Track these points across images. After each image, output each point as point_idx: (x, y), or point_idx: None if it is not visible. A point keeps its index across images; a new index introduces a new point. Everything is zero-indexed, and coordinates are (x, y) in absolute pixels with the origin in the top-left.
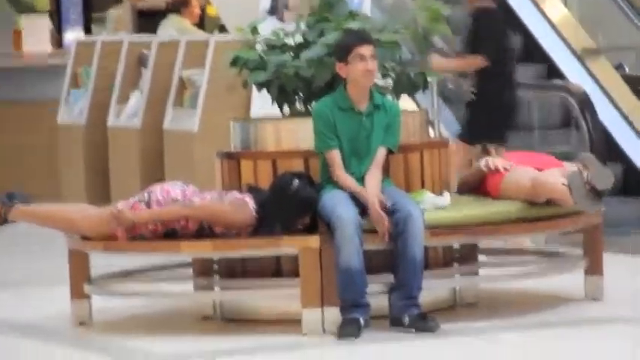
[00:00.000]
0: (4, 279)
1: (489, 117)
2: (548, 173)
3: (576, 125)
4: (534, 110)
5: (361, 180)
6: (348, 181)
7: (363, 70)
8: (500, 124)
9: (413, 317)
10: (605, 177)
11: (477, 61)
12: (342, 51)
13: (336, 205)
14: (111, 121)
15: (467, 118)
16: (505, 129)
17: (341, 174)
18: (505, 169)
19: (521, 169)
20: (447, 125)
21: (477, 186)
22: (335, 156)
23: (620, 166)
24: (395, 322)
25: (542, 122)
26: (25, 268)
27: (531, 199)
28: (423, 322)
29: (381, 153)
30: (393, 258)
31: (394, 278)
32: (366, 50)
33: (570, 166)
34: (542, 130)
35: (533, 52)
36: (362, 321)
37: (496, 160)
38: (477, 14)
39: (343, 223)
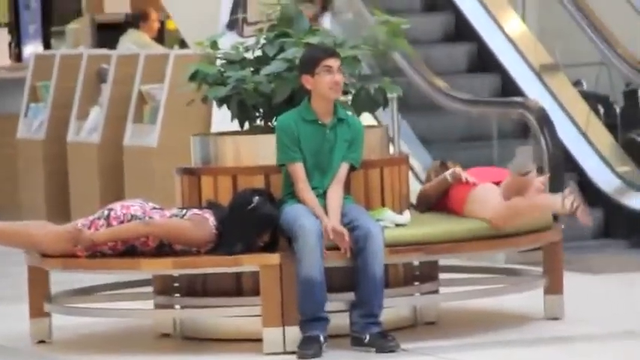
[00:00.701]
0: None
1: None
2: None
3: (535, 140)
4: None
5: (323, 195)
6: (309, 198)
7: (330, 82)
8: None
9: (373, 336)
10: (522, 165)
11: None
12: (309, 63)
13: (299, 216)
14: (70, 136)
15: None
16: None
17: (303, 188)
18: (471, 182)
19: (487, 189)
20: (407, 141)
21: (438, 200)
22: (298, 169)
23: (577, 179)
24: (355, 340)
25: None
26: None
27: (492, 223)
28: (384, 340)
29: (343, 169)
30: (353, 275)
31: (355, 295)
32: (333, 62)
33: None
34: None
35: (490, 65)
36: (322, 338)
37: (459, 170)
38: None
39: (305, 232)
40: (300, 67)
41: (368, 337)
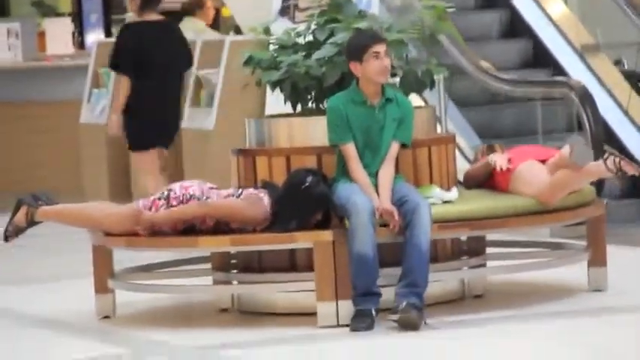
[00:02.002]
0: (30, 275)
1: (147, 125)
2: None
3: (578, 123)
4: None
5: (375, 174)
6: (361, 178)
7: (379, 67)
8: (157, 133)
9: (409, 305)
10: (586, 155)
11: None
12: (356, 50)
13: (352, 193)
14: None
15: (128, 128)
16: (161, 136)
17: (356, 168)
18: (508, 168)
19: (531, 166)
20: (453, 122)
21: (484, 180)
22: (350, 149)
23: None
24: (392, 309)
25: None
26: (50, 265)
27: (540, 199)
28: (414, 312)
29: (394, 148)
30: (401, 249)
31: (402, 267)
32: (380, 48)
33: (564, 149)
34: (547, 135)
35: (539, 54)
36: (374, 312)
37: (501, 159)
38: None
39: (358, 209)
40: (348, 54)
41: (404, 304)
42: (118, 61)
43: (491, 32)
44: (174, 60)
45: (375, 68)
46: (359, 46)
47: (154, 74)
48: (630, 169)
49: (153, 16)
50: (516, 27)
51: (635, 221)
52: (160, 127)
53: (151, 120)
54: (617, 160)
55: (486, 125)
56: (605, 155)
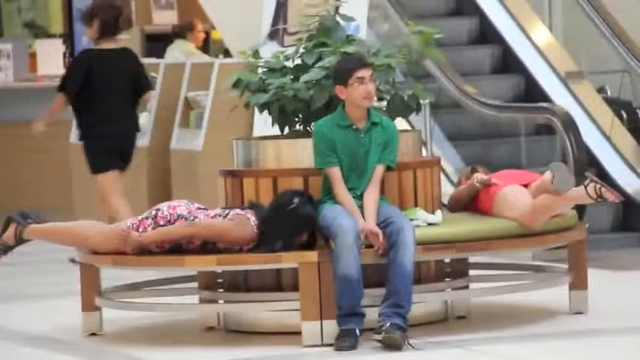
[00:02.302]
0: (18, 292)
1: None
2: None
3: (562, 152)
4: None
5: (360, 197)
6: (346, 200)
7: (363, 92)
8: (108, 155)
9: (393, 325)
10: (567, 181)
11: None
12: (342, 75)
13: (337, 216)
14: None
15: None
16: (115, 159)
17: (340, 191)
18: (497, 184)
19: (514, 190)
20: (438, 143)
21: (469, 203)
22: (335, 173)
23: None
24: (377, 329)
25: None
26: (38, 283)
27: (522, 222)
28: (398, 332)
29: (379, 170)
30: (385, 270)
31: (385, 288)
32: (365, 73)
33: (546, 174)
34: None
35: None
36: (358, 331)
37: (484, 176)
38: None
39: (343, 231)
40: (334, 78)
41: (388, 325)
42: (65, 82)
43: (484, 67)
44: (127, 85)
45: (360, 93)
46: (344, 71)
47: (106, 100)
48: (610, 196)
49: (111, 44)
50: (508, 62)
51: (617, 248)
52: (114, 150)
53: (106, 144)
54: (598, 186)
55: (472, 159)
56: (587, 182)
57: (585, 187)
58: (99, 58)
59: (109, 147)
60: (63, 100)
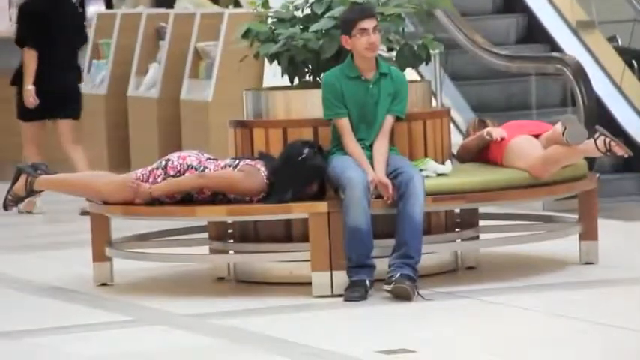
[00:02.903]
0: (29, 242)
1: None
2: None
3: (572, 99)
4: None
5: (370, 147)
6: (355, 151)
7: (365, 43)
8: (51, 104)
9: (403, 275)
10: (579, 134)
11: None
12: (346, 25)
13: (346, 168)
14: (131, 90)
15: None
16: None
17: (349, 142)
18: (502, 139)
19: (525, 140)
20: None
21: (478, 153)
22: (344, 124)
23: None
24: (387, 279)
25: (540, 101)
26: (48, 233)
27: (532, 173)
28: (407, 282)
29: (388, 121)
30: (395, 221)
31: (395, 239)
32: (368, 24)
33: (557, 125)
34: (541, 110)
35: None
36: (368, 282)
37: (497, 130)
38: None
39: (353, 184)
40: (340, 28)
41: (398, 275)
42: (22, 36)
43: (486, 8)
44: (69, 35)
45: (362, 44)
46: (348, 21)
47: (49, 49)
48: (619, 151)
49: None
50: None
51: (626, 195)
52: (50, 100)
53: (43, 92)
54: (608, 140)
55: (480, 100)
56: (596, 135)
57: (595, 140)
58: (43, 5)
59: (46, 97)
60: (34, 54)
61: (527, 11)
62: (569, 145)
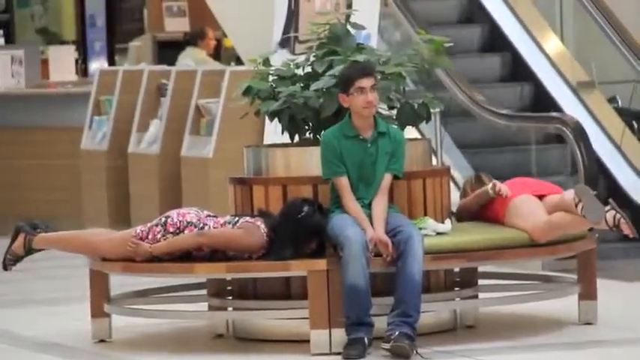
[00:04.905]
0: (28, 298)
1: None
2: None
3: (572, 161)
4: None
5: (368, 206)
6: (355, 210)
7: (362, 102)
8: None
9: (401, 334)
10: (598, 209)
11: None
12: (344, 83)
13: (345, 226)
14: (132, 147)
15: None
16: None
17: (348, 201)
18: (506, 195)
19: (528, 200)
20: (448, 152)
21: (477, 211)
22: (343, 183)
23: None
24: (385, 338)
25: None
26: (48, 289)
27: (532, 235)
28: (406, 341)
29: (387, 179)
30: (394, 279)
31: (394, 297)
32: (366, 82)
33: (568, 193)
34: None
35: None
36: (366, 340)
37: (503, 186)
38: None
39: (351, 242)
40: (339, 86)
41: (397, 334)
42: None
43: (494, 75)
44: None
45: (359, 102)
46: (346, 79)
47: None
48: (626, 229)
49: None
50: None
51: (625, 257)
52: None
53: None
54: (618, 216)
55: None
56: (607, 207)
57: (605, 212)
58: None
59: None
60: None
61: (532, 78)
62: (584, 217)
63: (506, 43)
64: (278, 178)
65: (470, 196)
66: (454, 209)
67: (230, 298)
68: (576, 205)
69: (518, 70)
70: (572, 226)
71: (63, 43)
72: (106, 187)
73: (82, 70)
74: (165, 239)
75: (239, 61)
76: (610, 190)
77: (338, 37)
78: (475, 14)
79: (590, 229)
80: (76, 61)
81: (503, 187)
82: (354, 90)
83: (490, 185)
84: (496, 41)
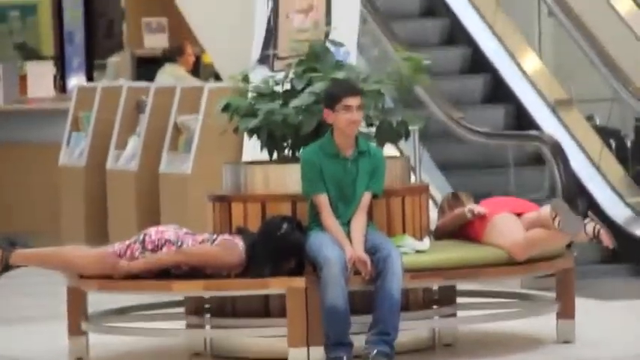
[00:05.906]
0: (5, 316)
1: None
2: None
3: (550, 179)
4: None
5: (347, 224)
6: (333, 228)
7: (348, 120)
8: None
9: (380, 353)
10: (575, 222)
11: None
12: (331, 99)
13: (324, 245)
14: (110, 163)
15: None
16: None
17: (327, 219)
18: (484, 215)
19: (506, 218)
20: (427, 170)
21: (455, 230)
22: (323, 200)
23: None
24: (363, 357)
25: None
26: (24, 306)
27: (511, 252)
28: (384, 359)
29: (366, 198)
30: (373, 297)
31: (372, 316)
32: (353, 101)
33: (545, 209)
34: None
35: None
36: (345, 359)
37: (477, 207)
38: None
39: (330, 263)
40: (323, 102)
41: (375, 353)
42: None
43: (475, 96)
44: None
45: (344, 120)
46: (333, 96)
47: None
48: (606, 240)
49: None
50: (498, 90)
51: (603, 274)
52: None
53: None
54: (597, 228)
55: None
56: (587, 220)
57: (584, 225)
58: None
59: None
60: None
61: (513, 99)
62: (563, 232)
63: (487, 63)
64: (257, 195)
65: (448, 216)
66: (433, 227)
67: (208, 315)
68: (553, 220)
69: (498, 91)
70: (550, 242)
71: (41, 59)
72: (84, 203)
73: (61, 86)
74: (143, 257)
75: (218, 78)
76: (587, 208)
77: (317, 54)
78: (455, 35)
79: (569, 246)
80: (55, 77)
81: (481, 209)
82: (340, 107)
83: (467, 209)
84: (476, 61)
